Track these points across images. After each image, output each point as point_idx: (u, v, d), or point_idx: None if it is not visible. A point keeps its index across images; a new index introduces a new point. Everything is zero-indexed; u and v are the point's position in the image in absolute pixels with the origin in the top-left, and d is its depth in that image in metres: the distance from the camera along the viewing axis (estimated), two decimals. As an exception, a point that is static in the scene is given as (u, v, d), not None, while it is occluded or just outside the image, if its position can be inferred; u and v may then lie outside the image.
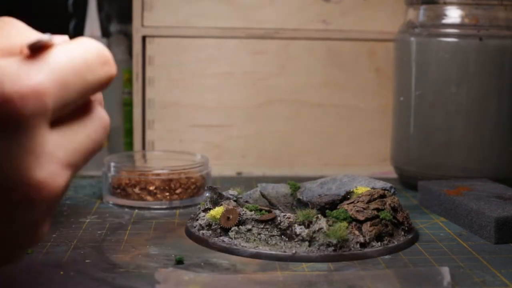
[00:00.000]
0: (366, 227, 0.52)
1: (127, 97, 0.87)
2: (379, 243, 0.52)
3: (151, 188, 0.64)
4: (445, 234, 0.58)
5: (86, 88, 0.36)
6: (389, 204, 0.55)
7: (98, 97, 0.39)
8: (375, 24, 0.81)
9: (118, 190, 0.65)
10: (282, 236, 0.51)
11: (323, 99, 0.81)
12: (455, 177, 0.69)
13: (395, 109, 0.76)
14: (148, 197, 0.64)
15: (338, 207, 0.54)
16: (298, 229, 0.51)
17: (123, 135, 0.86)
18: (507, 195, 0.61)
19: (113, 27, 0.95)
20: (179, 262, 0.49)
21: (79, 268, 0.47)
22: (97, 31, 0.91)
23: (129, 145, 0.84)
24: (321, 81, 0.81)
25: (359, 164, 0.82)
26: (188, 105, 0.80)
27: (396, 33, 0.76)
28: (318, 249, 0.50)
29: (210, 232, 0.54)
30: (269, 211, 0.53)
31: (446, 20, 0.71)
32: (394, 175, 0.78)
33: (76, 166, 0.36)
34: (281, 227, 0.51)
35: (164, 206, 0.65)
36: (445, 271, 0.46)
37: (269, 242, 0.51)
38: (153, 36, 0.79)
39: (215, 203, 0.56)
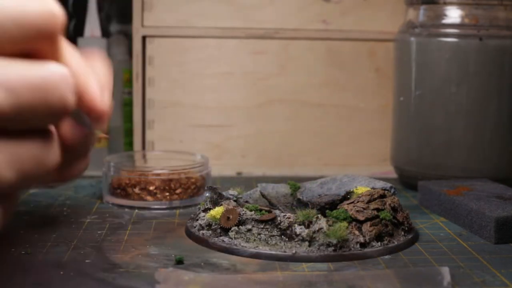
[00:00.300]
0: (366, 227, 0.52)
1: (127, 97, 0.87)
2: (379, 243, 0.52)
3: (151, 188, 0.64)
4: (445, 234, 0.58)
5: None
6: (389, 204, 0.55)
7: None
8: (375, 24, 0.81)
9: (118, 190, 0.65)
10: (282, 236, 0.51)
11: (323, 99, 0.81)
12: (455, 177, 0.69)
13: (395, 109, 0.76)
14: (148, 197, 0.64)
15: (338, 207, 0.54)
16: (298, 229, 0.51)
17: (123, 135, 0.86)
18: (507, 195, 0.61)
19: (113, 27, 0.95)
20: (179, 262, 0.49)
21: (79, 268, 0.47)
22: (97, 31, 0.91)
23: (129, 145, 0.84)
24: (321, 81, 0.81)
25: (359, 164, 0.82)
26: (188, 105, 0.80)
27: (396, 33, 0.76)
28: (318, 249, 0.50)
29: (210, 232, 0.54)
30: (269, 211, 0.53)
31: (446, 20, 0.71)
32: (394, 175, 0.78)
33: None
34: (281, 227, 0.51)
35: (164, 206, 0.65)
36: (445, 271, 0.46)
37: (269, 242, 0.51)
38: (153, 36, 0.79)
39: (215, 203, 0.56)
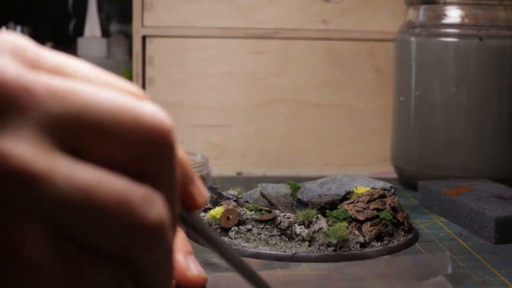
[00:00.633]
0: (366, 227, 0.52)
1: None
2: (379, 243, 0.52)
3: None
4: (445, 234, 0.58)
5: None
6: (389, 204, 0.55)
7: None
8: (375, 24, 0.81)
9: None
10: (282, 236, 0.51)
11: (323, 99, 0.81)
12: (455, 177, 0.69)
13: (395, 109, 0.76)
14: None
15: (338, 207, 0.54)
16: (298, 229, 0.51)
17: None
18: (507, 195, 0.61)
19: (113, 27, 0.95)
20: (179, 262, 0.49)
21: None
22: (97, 31, 0.91)
23: (129, 145, 0.84)
24: (321, 81, 0.81)
25: (359, 164, 0.82)
26: (188, 105, 0.80)
27: (396, 33, 0.76)
28: (318, 249, 0.50)
29: (210, 232, 0.54)
30: (269, 211, 0.53)
31: (446, 20, 0.71)
32: (394, 175, 0.78)
33: None
34: (281, 227, 0.51)
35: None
36: (445, 257, 0.46)
37: (269, 242, 0.51)
38: (153, 36, 0.79)
39: (215, 203, 0.56)
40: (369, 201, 0.54)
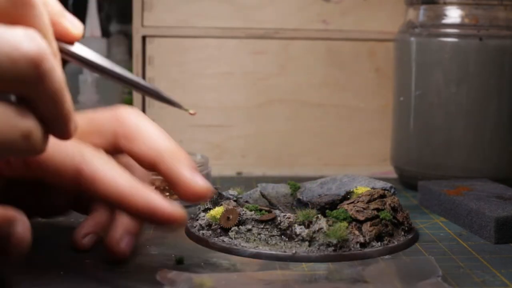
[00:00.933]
0: (366, 227, 0.52)
1: (127, 97, 0.87)
2: (379, 243, 0.52)
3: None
4: (445, 234, 0.58)
5: None
6: (389, 204, 0.55)
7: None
8: (375, 24, 0.81)
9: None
10: (282, 236, 0.51)
11: (323, 99, 0.81)
12: (455, 177, 0.69)
13: (395, 109, 0.76)
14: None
15: (338, 207, 0.54)
16: (298, 229, 0.51)
17: (123, 135, 0.86)
18: (507, 195, 0.61)
19: (113, 27, 0.95)
20: (179, 262, 0.49)
21: (79, 268, 0.47)
22: (97, 31, 0.91)
23: (129, 145, 0.84)
24: (321, 81, 0.81)
25: (359, 164, 0.82)
26: (188, 105, 0.80)
27: (396, 33, 0.76)
28: (318, 249, 0.50)
29: (210, 232, 0.54)
30: (269, 211, 0.53)
31: (446, 20, 0.71)
32: (394, 175, 0.78)
33: None
34: (281, 227, 0.51)
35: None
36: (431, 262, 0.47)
37: (269, 242, 0.51)
38: (153, 36, 0.79)
39: (215, 203, 0.56)
40: (369, 201, 0.54)
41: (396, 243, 0.53)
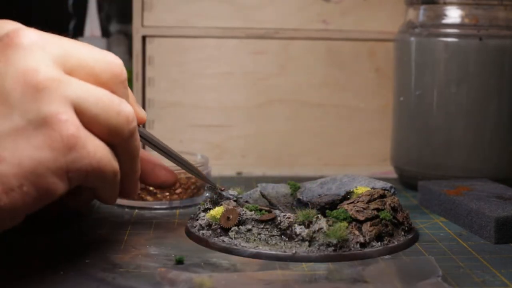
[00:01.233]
0: (366, 227, 0.52)
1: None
2: (379, 243, 0.52)
3: (151, 188, 0.64)
4: (445, 234, 0.58)
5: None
6: (389, 204, 0.55)
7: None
8: (375, 24, 0.81)
9: (118, 190, 0.65)
10: (282, 236, 0.51)
11: (323, 99, 0.81)
12: (455, 177, 0.69)
13: (395, 109, 0.76)
14: (148, 197, 0.64)
15: (338, 207, 0.54)
16: (298, 229, 0.51)
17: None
18: (507, 195, 0.61)
19: (113, 27, 0.95)
20: (179, 262, 0.49)
21: (79, 268, 0.47)
22: (97, 31, 0.91)
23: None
24: (321, 81, 0.81)
25: (359, 164, 0.82)
26: (188, 105, 0.80)
27: (396, 33, 0.76)
28: (318, 249, 0.50)
29: (210, 232, 0.54)
30: (269, 211, 0.53)
31: (446, 20, 0.71)
32: (394, 175, 0.78)
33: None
34: (281, 227, 0.51)
35: (164, 206, 0.65)
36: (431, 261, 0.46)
37: (269, 242, 0.51)
38: (153, 36, 0.79)
39: (215, 203, 0.56)
40: (369, 201, 0.54)
41: (396, 243, 0.53)
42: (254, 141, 0.81)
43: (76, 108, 0.42)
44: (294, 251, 0.50)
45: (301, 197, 0.59)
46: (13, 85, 0.41)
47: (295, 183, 0.62)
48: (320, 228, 0.51)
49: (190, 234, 0.55)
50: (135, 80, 0.79)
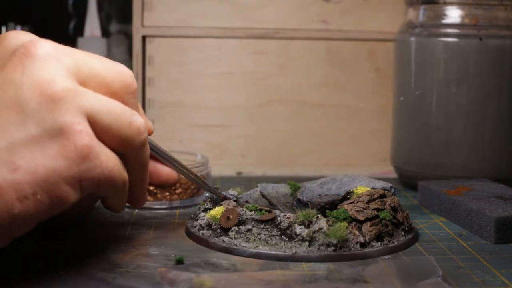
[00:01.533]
0: (366, 227, 0.52)
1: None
2: (379, 243, 0.52)
3: (151, 188, 0.64)
4: (445, 234, 0.58)
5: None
6: (389, 204, 0.55)
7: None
8: (375, 24, 0.81)
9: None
10: (282, 236, 0.51)
11: (323, 99, 0.81)
12: (455, 177, 0.69)
13: (395, 109, 0.76)
14: (148, 197, 0.64)
15: (338, 207, 0.54)
16: (298, 229, 0.51)
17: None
18: (507, 195, 0.61)
19: (113, 27, 0.95)
20: (179, 262, 0.49)
21: (79, 268, 0.47)
22: (97, 31, 0.91)
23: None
24: (321, 81, 0.81)
25: (359, 164, 0.82)
26: (188, 105, 0.80)
27: (396, 33, 0.76)
28: (318, 249, 0.50)
29: (210, 232, 0.54)
30: (269, 211, 0.53)
31: (446, 20, 0.71)
32: (394, 175, 0.78)
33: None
34: (281, 227, 0.51)
35: (164, 206, 0.65)
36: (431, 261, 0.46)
37: (269, 242, 0.51)
38: (153, 36, 0.79)
39: (215, 203, 0.56)
40: (369, 201, 0.54)
41: (396, 243, 0.53)
42: (254, 141, 0.81)
43: (90, 118, 0.43)
44: (294, 251, 0.50)
45: (301, 197, 0.59)
46: (29, 95, 0.42)
47: (295, 183, 0.62)
48: (320, 228, 0.51)
49: (190, 234, 0.55)
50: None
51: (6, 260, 0.49)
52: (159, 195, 0.65)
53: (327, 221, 0.51)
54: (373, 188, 0.57)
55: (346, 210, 0.53)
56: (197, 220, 0.56)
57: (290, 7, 0.80)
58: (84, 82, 0.45)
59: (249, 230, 0.52)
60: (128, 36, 0.89)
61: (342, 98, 0.81)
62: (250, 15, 0.80)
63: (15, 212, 0.41)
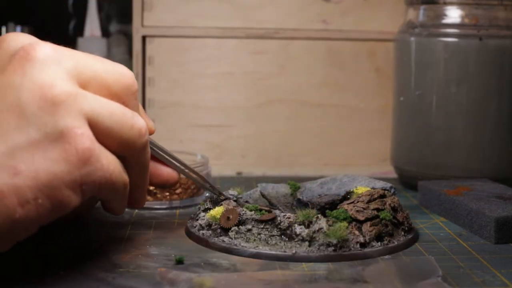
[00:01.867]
0: (366, 227, 0.52)
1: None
2: (379, 243, 0.52)
3: (151, 188, 0.64)
4: (445, 234, 0.58)
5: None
6: (389, 204, 0.55)
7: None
8: (375, 24, 0.81)
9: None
10: (282, 236, 0.51)
11: (323, 99, 0.81)
12: (455, 177, 0.69)
13: (395, 109, 0.76)
14: (148, 197, 0.64)
15: (338, 207, 0.54)
16: (298, 229, 0.51)
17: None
18: (507, 195, 0.61)
19: (113, 27, 0.95)
20: (179, 262, 0.49)
21: (79, 268, 0.47)
22: (97, 31, 0.91)
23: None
24: (321, 81, 0.81)
25: (359, 164, 0.82)
26: (188, 105, 0.80)
27: (396, 33, 0.76)
28: (318, 249, 0.50)
29: (210, 232, 0.54)
30: (269, 211, 0.53)
31: (446, 20, 0.71)
32: (394, 175, 0.78)
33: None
34: (281, 227, 0.51)
35: (164, 206, 0.65)
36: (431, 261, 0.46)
37: (269, 242, 0.51)
38: (153, 36, 0.79)
39: (215, 203, 0.56)
40: (369, 201, 0.54)
41: (396, 243, 0.53)
42: (254, 141, 0.81)
43: (90, 122, 0.43)
44: (294, 251, 0.50)
45: (301, 197, 0.59)
46: (29, 98, 0.42)
47: (295, 183, 0.62)
48: (320, 228, 0.51)
49: (190, 234, 0.55)
50: (135, 80, 0.79)
51: (6, 260, 0.49)
52: (159, 195, 0.65)
53: (327, 221, 0.51)
54: (373, 188, 0.57)
55: (346, 210, 0.53)
56: (197, 220, 0.56)
57: (290, 7, 0.80)
58: (84, 85, 0.45)
59: (249, 230, 0.52)
60: (128, 36, 0.89)
61: (342, 98, 0.81)
62: (250, 15, 0.80)
63: (17, 216, 0.41)
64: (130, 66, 0.82)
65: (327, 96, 0.81)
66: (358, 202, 0.54)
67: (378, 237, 0.52)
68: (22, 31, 0.91)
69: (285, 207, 0.58)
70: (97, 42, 0.90)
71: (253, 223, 0.52)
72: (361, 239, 0.51)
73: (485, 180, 0.67)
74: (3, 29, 0.92)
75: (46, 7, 0.96)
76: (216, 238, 0.53)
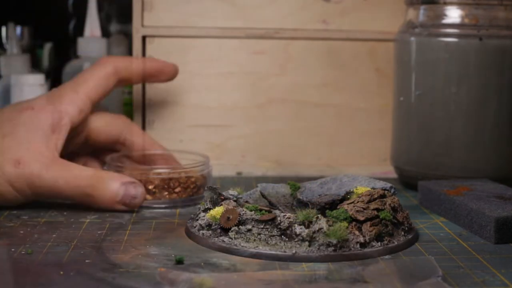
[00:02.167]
0: (366, 227, 0.52)
1: (127, 97, 0.87)
2: (379, 243, 0.52)
3: (150, 187, 0.64)
4: (445, 234, 0.58)
5: None
6: (389, 204, 0.55)
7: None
8: (375, 24, 0.81)
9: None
10: (282, 236, 0.51)
11: (323, 99, 0.81)
12: (455, 177, 0.69)
13: (395, 109, 0.76)
14: (148, 196, 0.64)
15: (338, 207, 0.54)
16: (298, 229, 0.51)
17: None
18: (507, 195, 0.61)
19: (113, 27, 0.95)
20: (179, 262, 0.49)
21: (79, 268, 0.47)
22: (97, 31, 0.91)
23: (129, 145, 0.84)
24: (321, 81, 0.81)
25: (359, 164, 0.82)
26: (188, 105, 0.80)
27: (396, 33, 0.76)
28: (318, 249, 0.50)
29: (210, 232, 0.54)
30: (269, 211, 0.53)
31: (446, 20, 0.71)
32: (394, 175, 0.78)
33: None
34: (281, 227, 0.51)
35: (164, 205, 0.65)
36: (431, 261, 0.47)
37: (269, 242, 0.51)
38: (153, 36, 0.79)
39: (215, 203, 0.56)
40: (369, 201, 0.54)
41: (396, 243, 0.53)
42: (254, 141, 0.81)
43: None
44: (294, 251, 0.50)
45: (301, 197, 0.59)
46: None
47: (295, 183, 0.62)
48: (320, 228, 0.51)
49: (190, 234, 0.55)
50: (135, 80, 0.79)
51: (6, 260, 0.49)
52: (158, 194, 0.65)
53: (327, 221, 0.51)
54: (373, 188, 0.57)
55: (346, 210, 0.53)
56: (197, 220, 0.56)
57: (290, 7, 0.80)
58: None
59: (249, 230, 0.52)
60: (128, 36, 0.89)
61: (342, 98, 0.81)
62: (250, 15, 0.80)
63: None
64: (130, 66, 0.82)
65: (327, 96, 0.81)
66: (358, 202, 0.54)
67: (378, 237, 0.52)
68: (22, 31, 0.91)
69: (285, 207, 0.58)
70: (97, 42, 0.90)
71: (253, 223, 0.52)
72: (361, 239, 0.51)
73: (485, 180, 0.67)
74: (3, 29, 0.92)
75: (46, 7, 0.96)
76: (216, 238, 0.53)
